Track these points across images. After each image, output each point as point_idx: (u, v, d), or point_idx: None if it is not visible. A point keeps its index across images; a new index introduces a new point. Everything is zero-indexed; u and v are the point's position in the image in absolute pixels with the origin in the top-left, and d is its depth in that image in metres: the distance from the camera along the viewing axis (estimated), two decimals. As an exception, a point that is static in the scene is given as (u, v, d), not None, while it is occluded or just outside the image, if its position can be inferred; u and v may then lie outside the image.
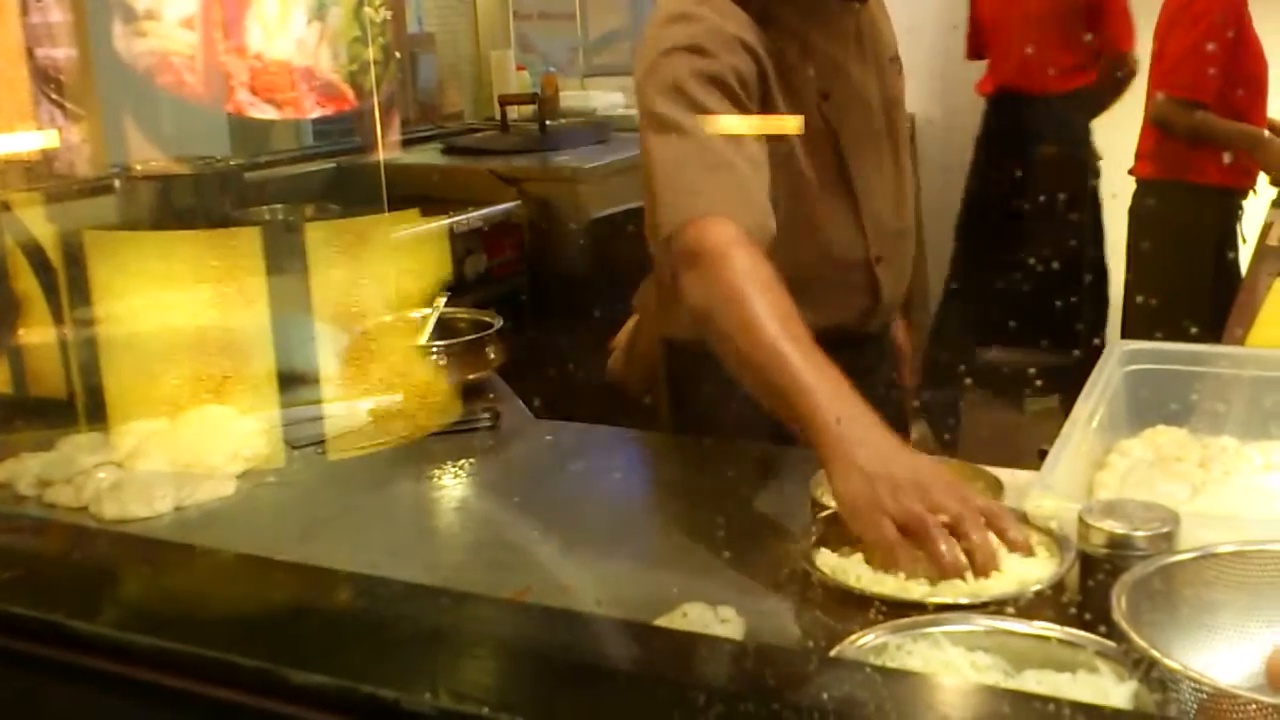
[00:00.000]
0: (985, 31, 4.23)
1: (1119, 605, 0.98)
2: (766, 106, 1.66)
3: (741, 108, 1.60)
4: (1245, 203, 3.71)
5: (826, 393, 1.30)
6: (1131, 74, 4.04)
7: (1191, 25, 3.55)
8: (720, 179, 1.54)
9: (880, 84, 1.78)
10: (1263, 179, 3.68)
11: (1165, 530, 1.08)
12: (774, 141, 1.64)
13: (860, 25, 1.76)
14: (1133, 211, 3.81)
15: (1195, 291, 3.50)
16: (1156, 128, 3.70)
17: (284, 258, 2.11)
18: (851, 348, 1.59)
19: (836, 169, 1.73)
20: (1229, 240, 3.67)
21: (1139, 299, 3.63)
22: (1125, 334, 3.66)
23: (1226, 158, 3.58)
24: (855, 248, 1.76)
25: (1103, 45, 4.02)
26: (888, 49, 1.82)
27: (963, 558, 1.16)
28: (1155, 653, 0.91)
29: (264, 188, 3.33)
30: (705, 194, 1.53)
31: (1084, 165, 4.04)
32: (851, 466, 1.24)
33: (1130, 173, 3.82)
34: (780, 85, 1.66)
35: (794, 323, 1.37)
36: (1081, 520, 1.11)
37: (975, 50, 4.30)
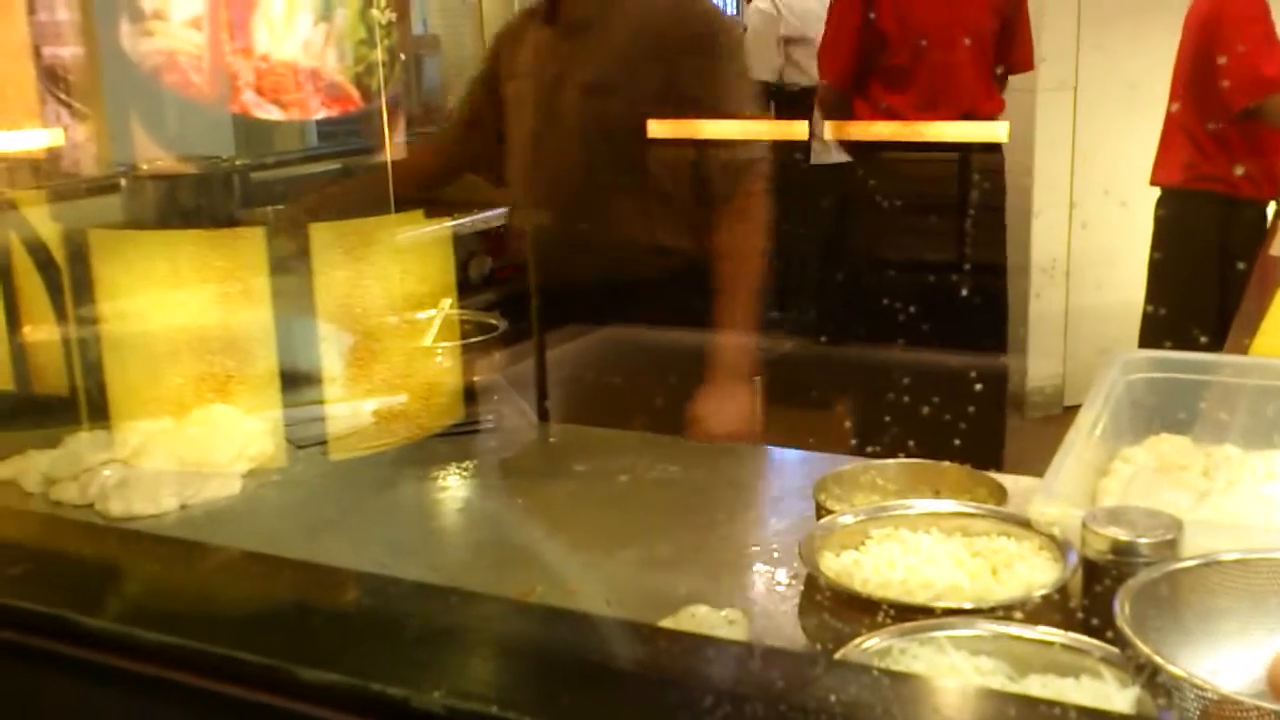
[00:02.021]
0: (877, 59, 3.69)
1: (1122, 611, 0.98)
2: (495, 83, 2.41)
3: (472, 92, 2.50)
4: (1269, 211, 3.70)
5: None
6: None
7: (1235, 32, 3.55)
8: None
9: (563, 91, 2.25)
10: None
11: (1169, 538, 1.09)
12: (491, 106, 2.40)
13: (564, 46, 2.29)
14: (1158, 220, 3.80)
15: (1215, 301, 3.49)
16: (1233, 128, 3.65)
17: (289, 258, 2.11)
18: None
19: (512, 133, 2.36)
20: (1250, 250, 3.66)
21: (1149, 308, 3.63)
22: (1142, 342, 3.66)
23: (1239, 170, 3.57)
24: (511, 194, 2.42)
25: (1011, 69, 3.82)
26: (586, 75, 2.25)
27: None
28: (1158, 659, 0.91)
29: (269, 188, 3.34)
30: None
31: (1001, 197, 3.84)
32: None
33: (1152, 182, 3.81)
34: (505, 69, 2.39)
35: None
36: (1085, 527, 1.12)
37: (846, 79, 3.75)
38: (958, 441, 1.59)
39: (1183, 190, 3.72)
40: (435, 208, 3.00)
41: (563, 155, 2.29)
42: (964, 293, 3.45)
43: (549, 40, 2.34)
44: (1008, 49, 3.74)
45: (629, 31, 2.29)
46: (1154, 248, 3.78)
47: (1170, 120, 3.79)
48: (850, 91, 3.75)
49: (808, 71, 5.13)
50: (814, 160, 5.22)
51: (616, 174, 2.25)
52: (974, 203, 3.62)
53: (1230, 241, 3.65)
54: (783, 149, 5.42)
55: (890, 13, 3.61)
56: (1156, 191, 3.82)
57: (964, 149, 3.69)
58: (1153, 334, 3.62)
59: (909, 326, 2.59)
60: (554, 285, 2.18)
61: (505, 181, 2.42)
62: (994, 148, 3.76)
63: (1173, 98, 3.75)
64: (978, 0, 3.64)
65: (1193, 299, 3.51)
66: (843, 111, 3.73)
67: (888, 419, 1.59)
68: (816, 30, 3.95)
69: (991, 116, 3.75)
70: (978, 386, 2.24)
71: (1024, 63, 3.81)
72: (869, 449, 1.53)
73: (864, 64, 3.69)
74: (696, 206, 2.25)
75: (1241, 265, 3.46)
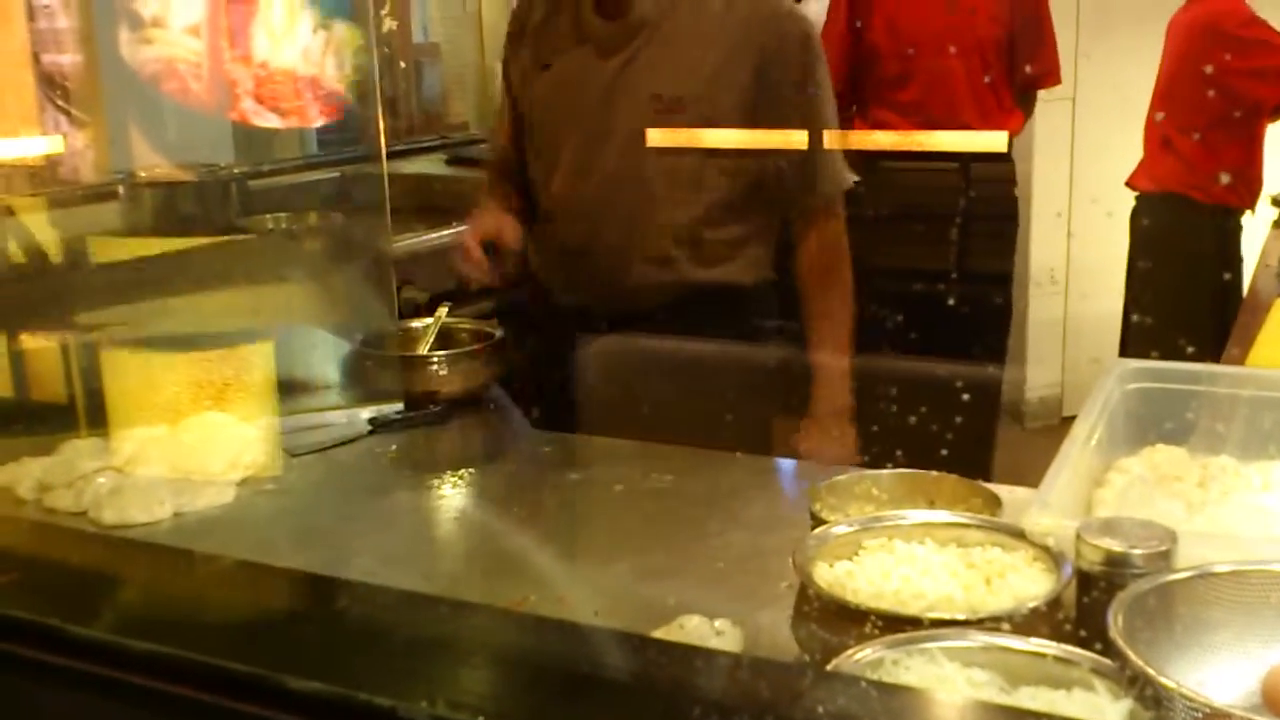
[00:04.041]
0: (870, 73, 3.58)
1: (1115, 623, 0.98)
2: (512, 65, 2.21)
3: (505, 74, 2.26)
4: (1244, 220, 3.72)
5: None
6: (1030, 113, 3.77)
7: None
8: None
9: (625, 99, 2.03)
10: (1263, 199, 3.70)
11: (1163, 549, 1.08)
12: (520, 95, 2.20)
13: (628, 48, 2.03)
14: (1133, 226, 3.80)
15: (1194, 310, 3.49)
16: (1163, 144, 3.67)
17: (287, 266, 2.11)
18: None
19: (545, 129, 2.15)
20: (1229, 259, 3.67)
21: (1136, 317, 3.63)
22: (1124, 350, 3.66)
23: (1225, 178, 3.58)
24: (550, 196, 2.15)
25: (1035, 81, 3.63)
26: (660, 86, 2.02)
27: None
28: (1151, 671, 0.91)
29: (268, 196, 3.34)
30: None
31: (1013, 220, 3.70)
32: None
33: (1127, 184, 3.81)
34: (526, 49, 2.16)
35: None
36: (1079, 538, 1.11)
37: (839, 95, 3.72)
38: (945, 452, 1.60)
39: (1160, 196, 3.73)
40: (434, 215, 3.00)
41: (619, 167, 2.06)
42: (973, 304, 3.41)
43: (604, 34, 2.05)
44: (1029, 62, 3.60)
45: (713, 36, 2.03)
46: (1133, 255, 3.78)
47: (1152, 127, 3.78)
48: (845, 108, 3.67)
49: None
50: None
51: (682, 193, 2.05)
52: (981, 214, 3.56)
53: (1205, 250, 3.66)
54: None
55: (880, 22, 3.54)
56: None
57: (966, 159, 3.61)
58: (1133, 342, 3.62)
59: (912, 338, 2.57)
60: (588, 309, 2.09)
61: (532, 187, 2.20)
62: (1002, 158, 3.68)
63: (1156, 106, 3.74)
64: (976, 9, 3.51)
65: (1171, 307, 3.51)
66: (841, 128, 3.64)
67: (877, 429, 1.59)
68: (833, 63, 3.83)
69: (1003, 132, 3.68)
70: (970, 396, 2.23)
71: (1049, 76, 3.68)
72: (863, 458, 1.53)
73: (856, 78, 3.62)
74: (766, 230, 2.12)
75: (1230, 274, 3.47)
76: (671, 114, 2.01)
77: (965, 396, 2.06)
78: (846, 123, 3.62)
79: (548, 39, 2.13)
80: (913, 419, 1.84)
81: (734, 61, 2.01)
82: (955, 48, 3.48)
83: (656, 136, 2.02)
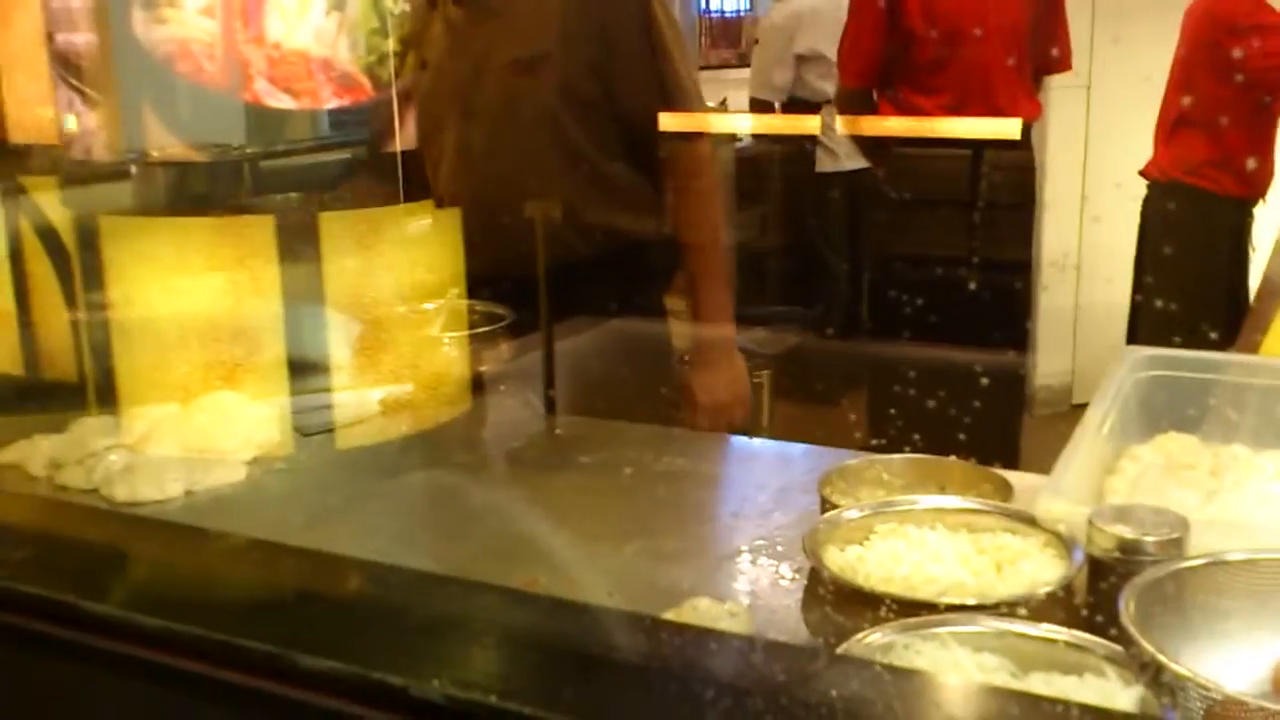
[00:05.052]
0: (903, 57, 3.49)
1: (1127, 609, 0.98)
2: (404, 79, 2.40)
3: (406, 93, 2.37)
4: (1256, 210, 3.70)
5: None
6: None
7: None
8: None
9: (490, 71, 2.18)
10: (1275, 188, 3.68)
11: (1175, 536, 1.08)
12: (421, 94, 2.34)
13: (485, 25, 2.20)
14: (1144, 214, 3.79)
15: (1205, 298, 3.47)
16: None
17: (298, 247, 2.11)
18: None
19: (430, 123, 2.31)
20: (1240, 249, 3.65)
21: (1144, 305, 3.61)
22: (1131, 338, 3.65)
23: (1241, 166, 3.56)
24: (444, 184, 2.28)
25: (1053, 65, 3.60)
26: (516, 51, 2.16)
27: None
28: (1163, 657, 0.91)
29: (280, 176, 3.33)
30: None
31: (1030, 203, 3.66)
32: None
33: (1141, 173, 3.80)
34: (417, 50, 2.36)
35: None
36: (1091, 524, 1.11)
37: (869, 79, 3.54)
38: (969, 438, 1.59)
39: (1171, 185, 3.71)
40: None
41: (498, 137, 2.21)
42: (997, 292, 3.38)
43: (464, 21, 2.23)
44: (1046, 47, 3.62)
45: (558, 7, 2.18)
46: (1143, 244, 3.76)
47: (1165, 117, 3.76)
48: (872, 93, 3.65)
49: (817, 90, 5.09)
50: (819, 169, 5.19)
51: (556, 152, 2.18)
52: (1001, 201, 3.52)
53: (1217, 239, 3.64)
54: (787, 159, 5.44)
55: (916, 6, 3.52)
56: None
57: (987, 146, 3.56)
58: (1140, 331, 3.61)
59: (925, 323, 2.56)
60: (500, 274, 2.13)
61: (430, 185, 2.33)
62: (1023, 145, 3.63)
63: (1169, 95, 3.72)
64: None
65: (1182, 295, 3.49)
66: (865, 114, 3.64)
67: (894, 413, 1.59)
68: (833, 49, 3.83)
69: (1028, 120, 3.65)
70: (990, 382, 2.22)
71: (1063, 62, 3.67)
72: (874, 442, 1.53)
73: (888, 63, 3.58)
74: (643, 183, 2.23)
75: (1241, 263, 3.45)
76: (531, 74, 2.15)
77: (989, 383, 2.06)
78: (872, 108, 3.61)
79: (427, 43, 2.32)
80: (940, 407, 1.84)
81: (580, 20, 2.14)
82: (993, 31, 3.45)
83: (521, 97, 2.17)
